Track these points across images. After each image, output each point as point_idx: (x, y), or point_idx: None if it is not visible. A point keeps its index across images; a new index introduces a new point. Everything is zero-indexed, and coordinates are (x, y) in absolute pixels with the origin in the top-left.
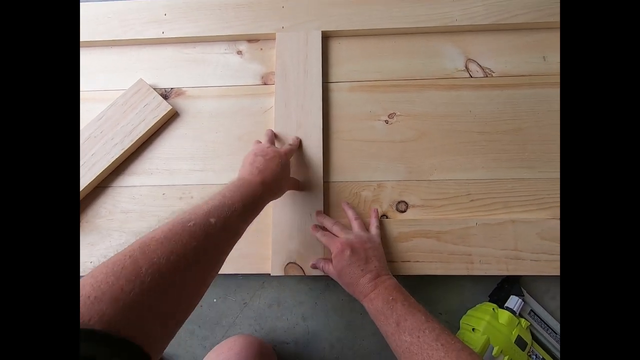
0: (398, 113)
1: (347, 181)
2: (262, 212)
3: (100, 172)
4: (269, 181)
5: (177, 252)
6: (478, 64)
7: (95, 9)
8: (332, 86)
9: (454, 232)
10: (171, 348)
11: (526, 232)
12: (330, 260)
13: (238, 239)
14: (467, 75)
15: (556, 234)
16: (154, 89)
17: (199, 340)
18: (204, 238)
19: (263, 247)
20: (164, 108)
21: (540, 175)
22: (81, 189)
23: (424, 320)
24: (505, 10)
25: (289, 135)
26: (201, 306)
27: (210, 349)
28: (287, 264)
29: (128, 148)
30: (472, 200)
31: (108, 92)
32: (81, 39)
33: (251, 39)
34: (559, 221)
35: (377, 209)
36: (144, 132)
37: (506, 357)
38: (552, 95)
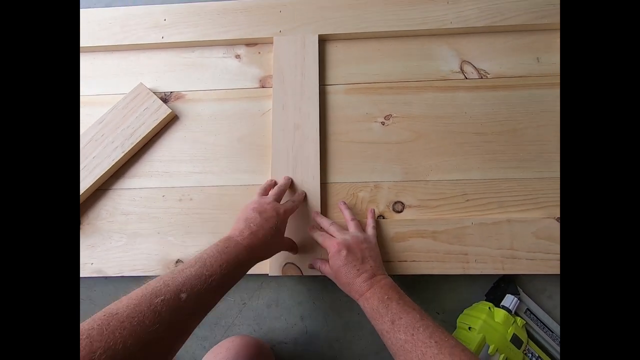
0: (394, 115)
1: (345, 182)
2: None
3: (101, 174)
4: (257, 246)
5: (136, 333)
6: (473, 65)
7: (97, 14)
8: (329, 88)
9: (450, 231)
10: None
11: (522, 232)
12: (327, 261)
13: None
14: (462, 77)
15: (552, 233)
16: (154, 92)
17: (199, 341)
18: (170, 315)
19: None
20: (164, 111)
21: (536, 175)
22: (82, 191)
23: (418, 319)
24: (499, 13)
25: (287, 138)
26: None
27: (210, 349)
28: (285, 264)
29: (128, 151)
30: (467, 200)
31: (109, 96)
32: (83, 44)
33: (249, 43)
34: (554, 220)
35: (373, 209)
36: (144, 135)
37: (502, 356)
38: (546, 96)
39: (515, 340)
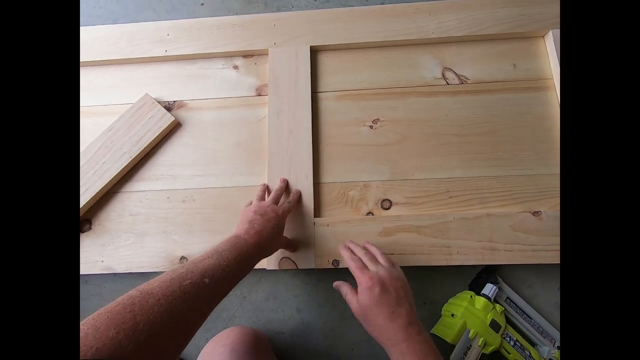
0: (381, 119)
1: (336, 182)
2: None
3: (111, 178)
4: (264, 243)
5: (171, 311)
6: (454, 72)
7: (105, 30)
8: (321, 95)
9: (434, 226)
10: None
11: (500, 225)
12: (356, 291)
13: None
14: (444, 83)
15: (528, 226)
16: (158, 102)
17: (202, 332)
18: (196, 298)
19: None
20: (168, 119)
21: (513, 172)
22: (93, 194)
23: None
24: (477, 24)
25: (282, 142)
26: None
27: None
28: (281, 258)
29: (135, 156)
30: (450, 197)
31: (117, 106)
32: (93, 58)
33: (246, 55)
34: (530, 214)
35: (373, 245)
36: (150, 141)
37: (481, 339)
38: (522, 99)
39: (494, 325)
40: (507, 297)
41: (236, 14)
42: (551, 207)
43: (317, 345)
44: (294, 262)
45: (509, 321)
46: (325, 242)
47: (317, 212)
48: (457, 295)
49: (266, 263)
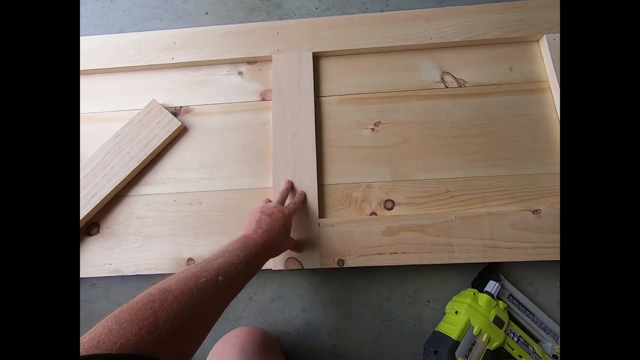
0: (383, 122)
1: (339, 183)
2: None
3: (119, 182)
4: (272, 242)
5: (189, 306)
6: (452, 75)
7: (114, 39)
8: (324, 100)
9: (436, 225)
10: None
11: (500, 223)
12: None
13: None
14: (443, 86)
15: (527, 224)
16: (165, 107)
17: (210, 333)
18: (211, 295)
19: None
20: (174, 124)
21: (512, 172)
22: (101, 198)
23: None
24: (473, 29)
25: (286, 145)
26: None
27: None
28: (287, 259)
29: (143, 161)
30: (451, 197)
31: (125, 112)
32: (102, 66)
33: (250, 61)
34: (530, 212)
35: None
36: (157, 146)
37: (486, 335)
38: (519, 101)
39: (498, 321)
40: (510, 294)
41: (240, 22)
42: (550, 205)
43: (323, 344)
44: (299, 262)
45: (511, 318)
46: (330, 242)
47: (322, 213)
48: (460, 293)
49: (272, 263)
